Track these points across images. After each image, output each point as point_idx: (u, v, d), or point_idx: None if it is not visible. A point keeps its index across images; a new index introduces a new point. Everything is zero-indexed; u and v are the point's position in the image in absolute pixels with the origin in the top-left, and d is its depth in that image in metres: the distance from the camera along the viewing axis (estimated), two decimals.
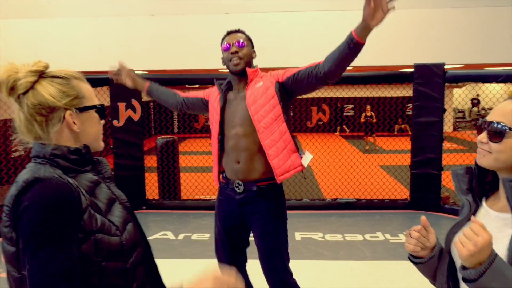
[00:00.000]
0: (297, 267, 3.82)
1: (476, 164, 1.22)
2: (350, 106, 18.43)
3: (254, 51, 2.40)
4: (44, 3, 7.24)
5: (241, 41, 2.30)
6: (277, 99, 2.23)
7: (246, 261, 2.53)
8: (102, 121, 1.19)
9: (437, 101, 5.25)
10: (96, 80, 5.45)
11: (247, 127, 2.25)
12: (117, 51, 6.74)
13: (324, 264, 3.95)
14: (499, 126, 1.14)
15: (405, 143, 9.47)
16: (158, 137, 6.51)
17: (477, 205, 1.25)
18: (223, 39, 2.36)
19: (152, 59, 6.74)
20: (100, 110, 1.17)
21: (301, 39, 7.07)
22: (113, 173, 5.43)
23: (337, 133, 17.45)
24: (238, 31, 2.36)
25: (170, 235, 4.67)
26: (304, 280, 3.61)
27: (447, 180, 5.63)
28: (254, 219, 2.30)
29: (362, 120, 14.14)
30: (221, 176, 2.41)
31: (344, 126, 17.64)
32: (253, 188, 2.26)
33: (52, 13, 7.05)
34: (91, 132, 1.16)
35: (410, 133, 17.00)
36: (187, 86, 6.26)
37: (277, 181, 2.26)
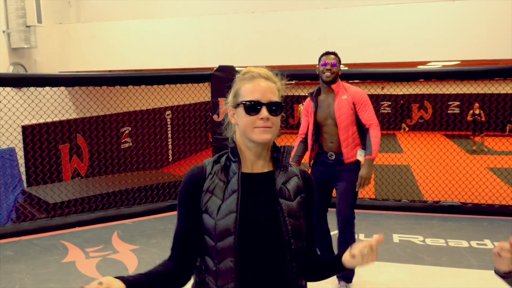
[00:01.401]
0: (394, 270, 3.68)
1: None
2: (456, 103, 17.22)
3: (340, 69, 3.34)
4: (152, 5, 7.76)
5: (334, 62, 3.26)
6: (354, 112, 3.29)
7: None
8: (251, 116, 1.28)
9: None
10: (198, 76, 5.70)
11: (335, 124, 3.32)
12: (218, 48, 6.99)
13: (424, 270, 3.74)
14: None
15: None
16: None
17: None
18: (322, 56, 3.31)
19: (253, 55, 6.89)
20: (247, 105, 1.29)
21: (402, 32, 6.75)
22: None
23: (401, 131, 16.48)
24: (331, 53, 3.31)
25: None
26: (402, 284, 3.46)
27: None
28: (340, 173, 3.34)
29: (469, 118, 13.18)
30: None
31: (403, 124, 16.69)
32: (340, 157, 3.33)
33: (159, 14, 7.52)
34: (241, 124, 1.31)
35: None
36: (288, 81, 6.29)
37: (345, 162, 3.29)
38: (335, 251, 3.47)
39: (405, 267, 3.79)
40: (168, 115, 11.32)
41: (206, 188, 1.31)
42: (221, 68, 5.53)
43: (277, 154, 1.36)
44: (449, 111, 17.31)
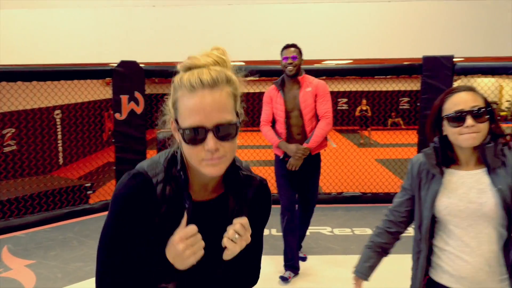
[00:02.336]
0: (308, 262, 3.78)
1: (441, 145, 1.53)
2: (344, 100, 18.41)
3: (302, 60, 3.49)
4: None
5: (294, 55, 3.38)
6: (315, 103, 3.44)
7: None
8: (195, 146, 0.96)
9: None
10: (98, 72, 5.31)
11: (299, 117, 3.48)
12: (118, 42, 6.59)
13: (335, 259, 3.89)
14: (481, 108, 1.45)
15: (399, 137, 9.45)
16: (158, 131, 6.37)
17: (442, 174, 1.54)
18: (283, 50, 3.44)
19: (153, 51, 6.59)
20: (186, 135, 0.95)
21: (303, 31, 6.97)
22: (114, 167, 5.36)
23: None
24: (291, 46, 3.43)
25: None
26: (316, 274, 3.56)
27: None
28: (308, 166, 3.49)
29: (357, 113, 14.12)
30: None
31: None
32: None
33: (51, 4, 6.86)
34: (184, 150, 1.00)
35: (403, 126, 17.09)
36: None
37: (312, 154, 3.46)
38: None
39: (318, 258, 3.91)
40: (57, 114, 10.46)
41: (157, 216, 1.03)
42: (123, 64, 5.22)
43: (232, 174, 1.08)
44: (338, 108, 18.42)
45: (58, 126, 10.51)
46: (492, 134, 1.49)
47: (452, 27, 6.81)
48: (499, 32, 6.84)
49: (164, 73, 5.47)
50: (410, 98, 18.36)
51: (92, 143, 10.94)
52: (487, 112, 1.46)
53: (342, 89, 15.70)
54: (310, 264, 3.79)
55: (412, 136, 9.60)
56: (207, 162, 0.95)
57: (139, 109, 5.28)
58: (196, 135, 0.93)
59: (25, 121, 8.40)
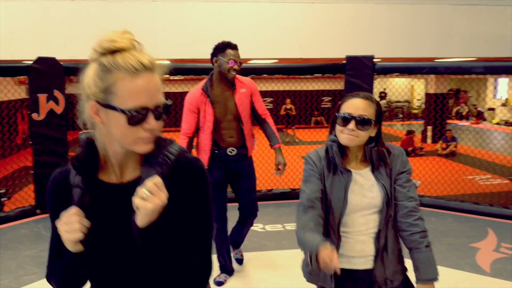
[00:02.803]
0: (243, 260, 3.79)
1: (337, 144, 1.71)
2: (270, 99, 18.73)
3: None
4: None
5: (241, 62, 3.10)
6: (251, 105, 3.28)
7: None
8: (135, 126, 0.99)
9: (367, 91, 5.46)
10: (13, 69, 4.93)
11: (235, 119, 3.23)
12: (32, 38, 6.15)
13: (269, 255, 3.95)
14: (366, 118, 1.65)
15: (322, 134, 9.80)
16: (80, 132, 6.06)
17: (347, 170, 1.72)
18: (227, 49, 3.07)
19: (71, 47, 6.25)
20: (130, 117, 0.97)
21: (231, 30, 6.98)
22: (32, 171, 5.01)
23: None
24: (237, 48, 3.14)
25: None
26: (251, 271, 3.59)
27: None
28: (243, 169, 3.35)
29: (282, 112, 14.42)
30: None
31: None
32: (243, 152, 3.31)
33: None
34: (116, 132, 1.01)
35: (326, 124, 17.71)
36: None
37: (248, 156, 3.36)
38: None
39: (253, 254, 3.94)
40: None
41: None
42: (41, 60, 4.89)
43: (154, 152, 1.05)
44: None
45: None
46: (377, 140, 1.73)
47: (373, 29, 7.19)
48: (417, 34, 7.33)
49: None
50: (332, 97, 19.10)
51: (7, 146, 10.17)
52: (371, 122, 1.68)
53: (268, 89, 16.02)
54: (245, 262, 3.81)
55: None
56: (144, 141, 1.00)
57: (59, 109, 4.99)
58: (139, 116, 0.97)
59: None
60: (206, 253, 1.11)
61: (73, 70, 5.12)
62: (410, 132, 11.73)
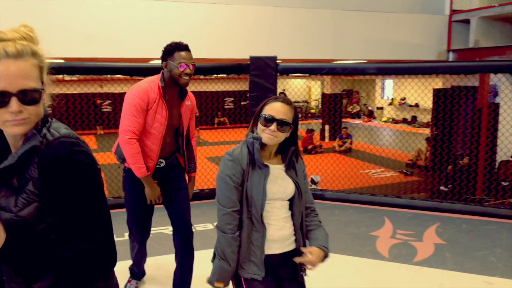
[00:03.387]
0: (153, 263, 3.67)
1: (259, 142, 1.86)
2: None
3: None
4: None
5: (193, 62, 2.73)
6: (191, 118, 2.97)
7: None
8: None
9: (271, 91, 5.61)
10: None
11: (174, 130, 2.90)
12: None
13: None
14: (286, 121, 1.84)
15: (226, 135, 9.91)
16: None
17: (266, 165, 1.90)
18: (175, 52, 2.68)
19: None
20: None
21: (131, 28, 6.73)
22: None
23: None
24: (189, 49, 2.73)
25: None
26: (163, 276, 3.49)
27: None
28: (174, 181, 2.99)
29: None
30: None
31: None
32: (173, 162, 2.95)
33: None
34: None
35: (229, 125, 17.89)
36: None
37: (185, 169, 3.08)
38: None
39: (163, 258, 3.83)
40: None
41: None
42: None
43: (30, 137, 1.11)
44: None
45: None
46: (293, 140, 1.95)
47: (274, 31, 7.39)
48: (315, 37, 7.68)
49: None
50: (234, 98, 19.34)
51: None
52: (290, 125, 1.88)
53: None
54: (157, 266, 3.69)
55: (238, 134, 10.14)
56: (10, 123, 1.06)
57: None
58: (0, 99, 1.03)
59: None
60: (101, 244, 1.13)
61: None
62: (310, 131, 12.29)
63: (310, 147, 11.71)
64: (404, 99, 19.41)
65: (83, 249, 1.09)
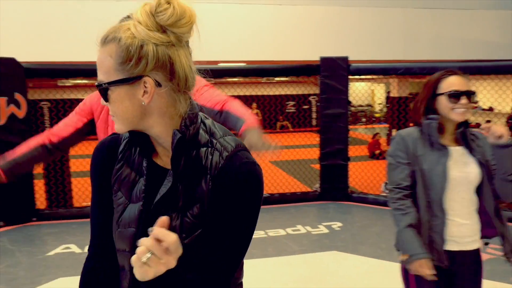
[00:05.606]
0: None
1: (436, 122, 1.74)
2: None
3: None
4: None
5: None
6: None
7: None
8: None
9: (342, 93, 5.41)
10: None
11: None
12: None
13: (255, 263, 3.76)
14: (471, 92, 1.73)
15: (289, 139, 9.79)
16: None
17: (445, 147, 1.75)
18: None
19: (35, 48, 5.86)
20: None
21: (195, 31, 6.78)
22: None
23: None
24: None
25: (74, 248, 4.05)
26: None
27: (354, 170, 5.87)
28: None
29: None
30: None
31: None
32: None
33: None
34: None
35: (291, 129, 17.75)
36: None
37: None
38: None
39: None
40: None
41: (114, 177, 0.99)
42: None
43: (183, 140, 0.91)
44: None
45: None
46: (465, 122, 1.78)
47: (344, 31, 7.17)
48: (385, 37, 7.38)
49: (50, 72, 4.88)
50: (296, 101, 19.17)
51: None
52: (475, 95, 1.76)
53: (234, 94, 15.84)
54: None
55: (302, 137, 9.99)
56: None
57: (21, 113, 4.62)
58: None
59: None
60: (224, 274, 0.94)
61: (34, 71, 4.79)
62: (376, 135, 11.88)
63: (377, 152, 11.31)
64: (476, 102, 18.34)
65: (212, 280, 0.91)
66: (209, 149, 0.91)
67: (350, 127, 5.65)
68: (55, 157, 2.10)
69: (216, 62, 7.94)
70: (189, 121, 0.90)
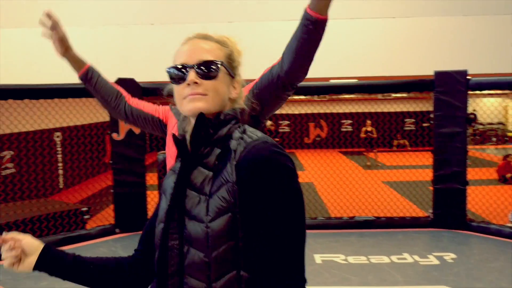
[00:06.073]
0: None
1: None
2: (349, 121, 18.15)
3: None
4: (37, 12, 6.88)
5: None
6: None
7: None
8: (179, 85, 1.03)
9: (459, 110, 4.93)
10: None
11: None
12: (114, 61, 6.38)
13: None
14: None
15: (406, 158, 9.16)
16: (159, 152, 6.11)
17: None
18: None
19: (152, 69, 6.37)
20: (170, 74, 1.04)
21: None
22: (112, 190, 5.08)
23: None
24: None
25: None
26: None
27: (473, 196, 5.29)
28: None
29: (362, 135, 13.85)
30: None
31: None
32: None
33: None
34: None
35: (409, 148, 16.82)
36: None
37: None
38: None
39: None
40: (57, 137, 10.25)
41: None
42: (120, 81, 4.96)
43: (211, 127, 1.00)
44: (342, 129, 18.16)
45: (59, 149, 10.31)
46: None
47: (461, 43, 6.59)
48: (510, 48, 6.62)
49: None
50: (415, 118, 18.12)
51: (95, 165, 10.72)
52: None
53: (346, 111, 15.50)
54: None
55: (420, 158, 9.32)
56: (188, 98, 0.99)
57: (137, 129, 5.02)
58: (179, 72, 1.01)
59: (25, 143, 8.19)
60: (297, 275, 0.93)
61: (150, 91, 5.17)
62: (507, 157, 10.64)
63: (508, 175, 10.10)
64: None
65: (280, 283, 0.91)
66: (238, 141, 0.98)
67: (477, 147, 5.12)
68: (116, 113, 2.03)
69: (327, 79, 7.85)
70: (229, 114, 1.02)
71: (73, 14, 6.70)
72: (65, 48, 1.88)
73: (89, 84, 1.95)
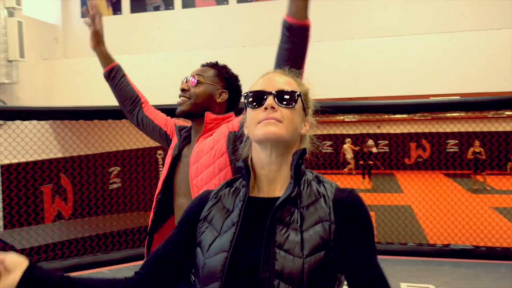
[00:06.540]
0: None
1: None
2: (454, 141, 16.93)
3: (221, 93, 1.75)
4: (140, 40, 7.50)
5: (196, 77, 1.73)
6: (227, 159, 1.53)
7: None
8: (255, 109, 1.06)
9: None
10: None
11: (189, 197, 1.56)
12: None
13: None
14: None
15: None
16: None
17: None
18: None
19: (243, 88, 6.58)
20: (248, 97, 1.08)
21: (399, 65, 6.50)
22: None
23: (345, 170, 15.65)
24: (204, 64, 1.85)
25: None
26: None
27: None
28: None
29: (469, 156, 12.84)
30: None
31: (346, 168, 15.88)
32: None
33: (146, 49, 7.25)
34: (247, 125, 1.10)
35: None
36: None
37: None
38: None
39: None
40: (159, 154, 10.99)
41: (203, 216, 1.06)
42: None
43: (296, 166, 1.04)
44: (447, 150, 16.99)
45: (160, 166, 11.02)
46: None
47: None
48: None
49: None
50: None
51: None
52: None
53: (452, 130, 14.49)
54: None
55: None
56: (262, 123, 1.00)
57: None
58: (256, 97, 1.04)
59: (129, 158, 8.88)
60: None
61: (238, 110, 5.31)
62: None
63: None
64: None
65: None
66: (317, 182, 1.05)
67: None
68: (129, 118, 2.03)
69: (427, 96, 7.46)
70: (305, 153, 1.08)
71: (169, 40, 7.17)
72: (96, 42, 1.95)
73: (111, 82, 2.00)
